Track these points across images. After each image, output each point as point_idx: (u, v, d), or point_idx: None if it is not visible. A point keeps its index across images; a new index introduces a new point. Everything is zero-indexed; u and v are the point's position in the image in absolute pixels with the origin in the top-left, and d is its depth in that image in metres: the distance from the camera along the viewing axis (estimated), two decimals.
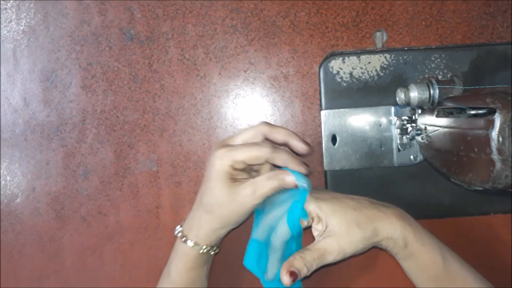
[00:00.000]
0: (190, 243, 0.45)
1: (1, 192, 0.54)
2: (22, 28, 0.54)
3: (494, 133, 0.33)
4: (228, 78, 0.54)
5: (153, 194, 0.55)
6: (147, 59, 0.54)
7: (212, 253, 0.47)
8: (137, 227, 0.55)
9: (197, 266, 0.47)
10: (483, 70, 0.55)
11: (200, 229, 0.45)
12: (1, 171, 0.54)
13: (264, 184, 0.42)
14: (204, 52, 0.54)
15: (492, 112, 0.33)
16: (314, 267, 0.42)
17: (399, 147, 0.54)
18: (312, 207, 0.44)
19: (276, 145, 0.45)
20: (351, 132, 0.55)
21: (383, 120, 0.55)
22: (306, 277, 0.42)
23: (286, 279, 0.40)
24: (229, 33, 0.54)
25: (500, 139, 0.32)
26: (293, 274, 0.40)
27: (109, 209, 0.55)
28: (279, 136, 0.45)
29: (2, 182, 0.54)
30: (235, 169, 0.43)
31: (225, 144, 0.45)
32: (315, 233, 0.45)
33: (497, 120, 0.33)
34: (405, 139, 0.53)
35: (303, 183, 0.43)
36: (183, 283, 0.46)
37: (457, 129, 0.38)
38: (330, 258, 0.42)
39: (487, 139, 0.33)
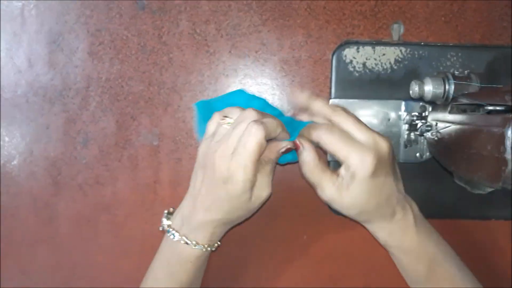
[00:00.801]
0: (198, 247, 0.43)
1: None
2: None
3: (510, 131, 0.31)
4: (238, 57, 0.53)
5: (152, 168, 0.54)
6: (157, 30, 0.52)
7: (217, 245, 0.46)
8: (134, 200, 0.54)
9: (202, 263, 0.46)
10: (499, 72, 0.54)
11: (211, 238, 0.43)
12: (0, 132, 0.53)
13: (264, 178, 0.41)
14: (216, 28, 0.53)
15: (509, 110, 0.32)
16: (305, 176, 0.43)
17: (406, 143, 0.53)
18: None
19: (256, 112, 0.41)
20: None
21: (392, 115, 0.54)
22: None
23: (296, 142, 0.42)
24: (243, 11, 0.53)
25: None
26: (297, 146, 0.42)
27: (106, 179, 0.54)
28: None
29: (0, 143, 0.53)
30: (256, 175, 0.40)
31: (227, 154, 0.39)
32: None
33: None
34: (412, 135, 0.52)
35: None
36: (188, 281, 0.45)
37: (471, 126, 0.37)
38: (318, 192, 0.43)
39: (502, 137, 0.32)
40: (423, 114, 0.51)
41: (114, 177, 0.54)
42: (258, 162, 0.39)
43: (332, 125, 0.42)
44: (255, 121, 0.38)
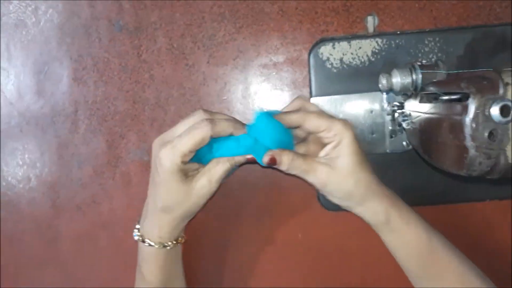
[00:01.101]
0: (155, 245, 0.45)
1: None
2: (14, 22, 0.54)
3: (468, 119, 0.32)
4: (217, 66, 0.54)
5: (145, 183, 0.54)
6: (136, 49, 0.54)
7: (179, 244, 0.47)
8: (131, 215, 0.56)
9: (169, 261, 0.46)
10: (480, 53, 0.53)
11: (162, 230, 0.44)
12: None
13: (216, 170, 0.42)
14: (192, 41, 0.54)
15: (467, 97, 0.32)
16: (292, 172, 0.43)
17: (391, 133, 0.53)
18: (343, 130, 0.42)
19: (210, 112, 0.43)
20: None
21: (375, 107, 0.54)
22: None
23: (266, 159, 0.42)
24: (217, 21, 0.54)
25: (473, 125, 0.31)
26: (272, 160, 0.42)
27: (102, 198, 0.56)
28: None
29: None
30: (185, 162, 0.41)
31: (166, 141, 0.41)
32: (321, 134, 0.43)
33: (471, 105, 0.32)
34: (396, 125, 0.52)
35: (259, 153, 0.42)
36: (161, 281, 0.46)
37: (436, 115, 0.37)
38: (310, 179, 0.43)
39: (461, 125, 0.32)
40: (403, 103, 0.50)
41: (109, 195, 0.56)
42: (192, 153, 0.41)
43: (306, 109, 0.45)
44: (207, 119, 0.41)
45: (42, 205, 0.56)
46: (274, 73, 0.54)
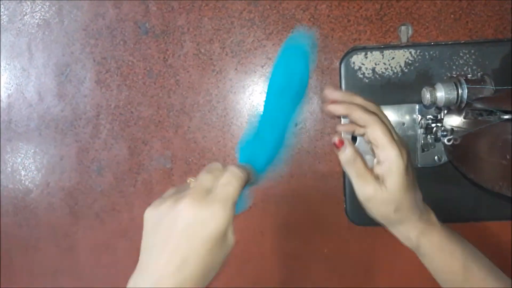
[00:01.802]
0: None
1: (16, 186, 0.54)
2: (36, 21, 0.53)
3: None
4: (245, 73, 0.53)
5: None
6: (162, 53, 0.52)
7: None
8: None
9: None
10: None
11: None
12: (16, 166, 0.54)
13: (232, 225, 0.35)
14: (221, 46, 0.52)
15: None
16: (347, 169, 0.42)
17: (423, 147, 0.52)
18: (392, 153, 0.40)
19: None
20: None
21: (407, 119, 0.52)
22: None
23: (335, 139, 0.41)
24: (246, 27, 0.52)
25: None
26: (340, 143, 0.41)
27: (122, 205, 0.54)
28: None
29: (17, 177, 0.54)
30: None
31: (202, 195, 0.33)
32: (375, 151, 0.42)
33: None
34: (429, 139, 0.51)
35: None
36: None
37: (487, 133, 0.35)
38: (357, 188, 0.42)
39: None
40: (438, 117, 0.49)
41: (130, 203, 0.54)
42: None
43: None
44: (236, 165, 0.36)
45: (59, 212, 0.54)
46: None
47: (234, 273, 0.54)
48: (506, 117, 0.33)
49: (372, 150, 0.42)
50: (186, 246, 0.33)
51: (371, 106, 0.43)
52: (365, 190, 0.41)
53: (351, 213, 0.53)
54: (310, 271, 0.54)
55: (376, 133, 0.40)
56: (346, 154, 0.41)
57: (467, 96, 0.39)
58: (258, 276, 0.54)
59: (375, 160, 0.42)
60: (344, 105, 0.42)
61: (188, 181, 0.35)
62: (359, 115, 0.41)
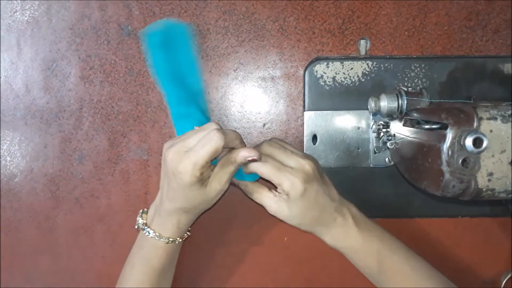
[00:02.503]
0: (166, 240, 0.50)
1: (1, 171, 0.58)
2: (26, 18, 0.57)
3: (445, 147, 0.36)
4: (218, 76, 0.58)
5: (142, 180, 0.59)
6: (142, 54, 0.57)
7: (186, 236, 0.53)
8: (127, 210, 0.59)
9: (173, 250, 0.52)
10: (460, 81, 0.58)
11: (180, 223, 0.49)
12: (2, 152, 0.58)
13: (224, 174, 0.47)
14: (196, 50, 0.57)
15: (445, 127, 0.37)
16: (248, 194, 0.51)
17: (375, 149, 0.57)
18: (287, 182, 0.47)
19: (218, 125, 0.46)
20: (331, 133, 0.58)
21: (362, 124, 0.58)
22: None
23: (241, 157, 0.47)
24: (221, 34, 0.57)
25: (450, 152, 0.36)
26: (253, 160, 0.48)
27: (101, 192, 0.59)
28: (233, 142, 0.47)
29: (2, 162, 0.58)
30: (203, 173, 0.45)
31: (181, 152, 0.44)
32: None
33: (449, 135, 0.36)
34: (380, 142, 0.57)
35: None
36: (161, 269, 0.51)
37: (417, 140, 0.41)
38: (266, 208, 0.49)
39: (439, 151, 0.36)
40: (389, 123, 0.55)
41: (108, 190, 0.58)
42: (207, 164, 0.44)
43: (265, 158, 0.49)
44: (218, 129, 0.44)
45: (41, 196, 0.58)
46: (271, 86, 0.58)
47: (201, 257, 0.59)
48: (427, 126, 0.39)
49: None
50: (169, 188, 0.46)
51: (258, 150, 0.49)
52: (269, 209, 0.49)
53: None
54: (271, 257, 0.59)
55: (268, 175, 0.47)
56: (247, 188, 0.51)
57: (406, 107, 0.45)
58: (223, 260, 0.59)
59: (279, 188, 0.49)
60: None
61: (194, 128, 0.47)
62: (249, 169, 0.48)
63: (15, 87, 0.58)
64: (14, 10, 0.57)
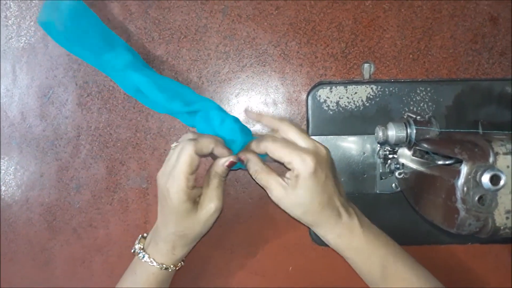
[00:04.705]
0: (170, 268, 0.49)
1: None
2: (22, 45, 0.55)
3: (460, 183, 0.34)
4: (220, 101, 0.56)
5: (142, 209, 0.57)
6: None
7: (180, 265, 0.52)
8: (125, 240, 0.57)
9: (164, 278, 0.50)
10: (467, 105, 0.57)
11: (174, 252, 0.48)
12: None
13: (212, 189, 0.46)
14: (197, 76, 0.56)
15: (459, 161, 0.35)
16: (256, 180, 0.48)
17: (381, 176, 0.56)
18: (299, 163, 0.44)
19: (196, 134, 0.47)
20: (335, 159, 0.57)
21: (367, 148, 0.57)
22: None
23: (240, 155, 0.48)
24: (222, 59, 0.56)
25: (465, 189, 0.34)
26: (245, 158, 0.48)
27: (99, 222, 0.57)
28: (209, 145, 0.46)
29: None
30: (191, 187, 0.45)
31: (167, 171, 0.45)
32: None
33: (463, 170, 0.35)
34: (387, 168, 0.55)
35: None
36: None
37: (429, 172, 0.40)
38: (268, 193, 0.47)
39: (453, 187, 0.35)
40: (395, 149, 0.53)
41: (106, 220, 0.57)
42: (192, 176, 0.44)
43: (275, 136, 0.48)
44: (189, 139, 0.44)
45: (37, 226, 0.57)
46: (273, 111, 0.57)
47: (204, 283, 0.57)
48: (440, 162, 0.37)
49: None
50: (164, 210, 0.46)
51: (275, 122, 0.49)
52: (273, 193, 0.46)
53: (314, 234, 0.57)
54: (274, 286, 0.58)
55: (275, 152, 0.46)
56: (252, 165, 0.47)
57: (415, 136, 0.43)
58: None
59: (288, 172, 0.47)
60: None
61: (172, 146, 0.47)
62: (259, 148, 0.47)
63: (10, 114, 0.56)
64: (10, 36, 0.56)
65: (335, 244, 0.49)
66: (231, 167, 0.48)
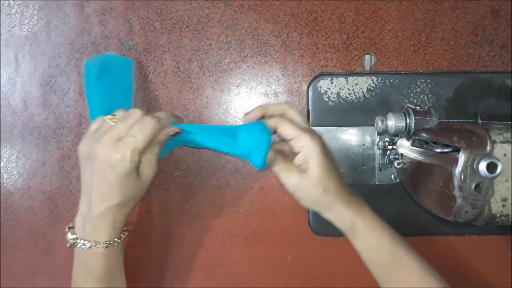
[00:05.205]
0: (115, 243, 0.46)
1: None
2: (24, 33, 0.56)
3: (457, 171, 0.35)
4: (221, 91, 0.57)
5: (143, 198, 0.57)
6: (143, 69, 0.56)
7: (124, 236, 0.48)
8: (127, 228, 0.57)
9: (114, 254, 0.47)
10: (467, 97, 0.57)
11: (115, 226, 0.45)
12: None
13: (152, 156, 0.45)
14: (199, 66, 0.56)
15: (457, 150, 0.36)
16: (272, 167, 0.47)
17: (381, 167, 0.56)
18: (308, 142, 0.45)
19: (143, 112, 0.45)
20: (335, 149, 0.57)
21: (367, 140, 0.57)
22: None
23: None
24: (223, 49, 0.56)
25: (462, 176, 0.35)
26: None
27: None
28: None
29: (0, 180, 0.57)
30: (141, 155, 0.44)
31: (114, 141, 0.43)
32: (291, 143, 0.47)
33: (461, 158, 0.35)
34: (386, 159, 0.55)
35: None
36: (105, 275, 0.46)
37: (427, 161, 0.40)
38: (284, 180, 0.46)
39: (450, 175, 0.35)
40: (395, 139, 0.54)
41: None
42: (144, 149, 0.44)
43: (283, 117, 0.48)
44: (151, 116, 0.44)
45: (39, 214, 0.57)
46: (274, 102, 0.57)
47: (203, 277, 0.58)
48: (438, 150, 0.38)
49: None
50: (102, 184, 0.43)
51: (280, 107, 0.49)
52: (290, 181, 0.46)
53: (313, 224, 0.57)
54: (274, 277, 0.58)
55: (285, 129, 0.46)
56: (272, 157, 0.47)
57: (414, 126, 0.44)
58: (225, 281, 0.58)
59: (296, 157, 0.46)
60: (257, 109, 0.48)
61: (108, 121, 0.45)
62: (268, 123, 0.47)
63: (12, 103, 0.56)
64: (13, 25, 0.56)
65: (352, 221, 0.47)
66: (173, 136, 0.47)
